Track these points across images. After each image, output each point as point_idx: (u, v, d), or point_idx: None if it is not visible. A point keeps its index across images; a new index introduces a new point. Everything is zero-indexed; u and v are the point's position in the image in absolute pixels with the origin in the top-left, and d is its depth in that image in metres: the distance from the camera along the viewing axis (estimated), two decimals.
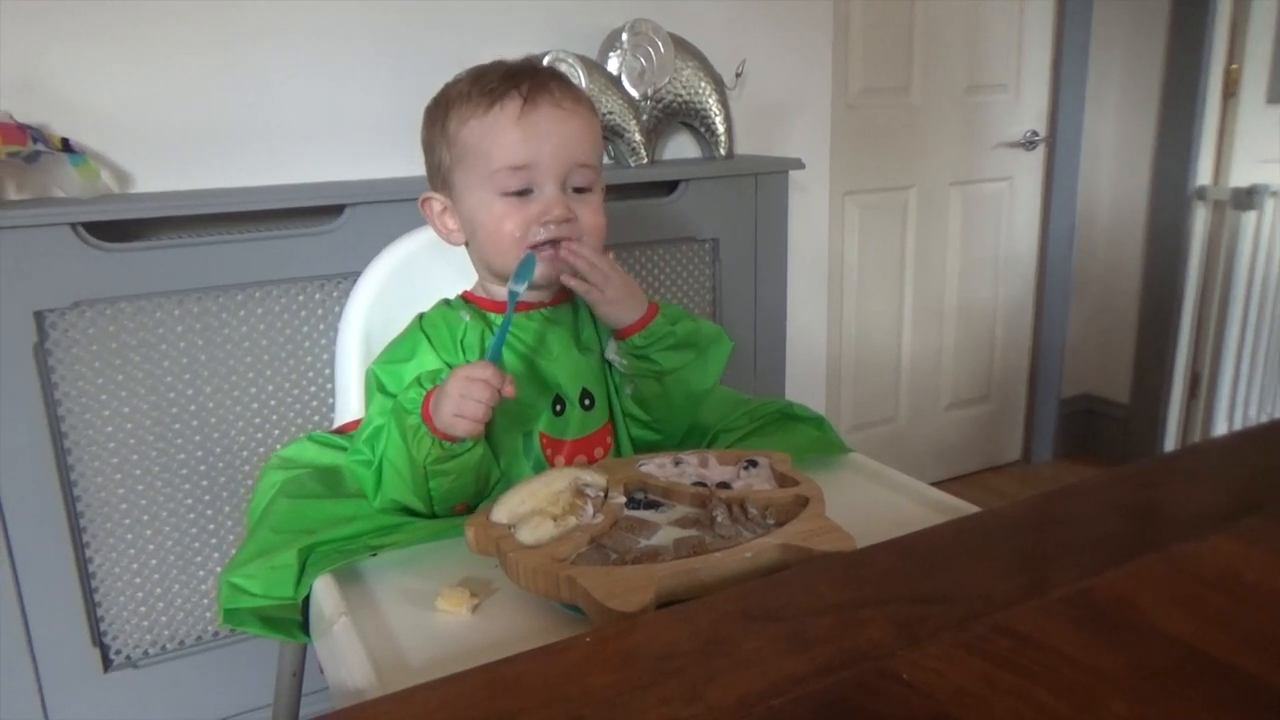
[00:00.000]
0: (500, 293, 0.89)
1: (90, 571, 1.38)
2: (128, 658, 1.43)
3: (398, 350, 0.85)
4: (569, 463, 0.87)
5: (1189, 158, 2.40)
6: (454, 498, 0.80)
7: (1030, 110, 2.47)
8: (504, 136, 0.81)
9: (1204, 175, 2.42)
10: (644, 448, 0.93)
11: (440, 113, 0.86)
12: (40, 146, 1.28)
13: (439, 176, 0.88)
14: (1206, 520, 0.65)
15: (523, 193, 0.83)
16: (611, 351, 0.89)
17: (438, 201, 0.89)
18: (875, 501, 0.83)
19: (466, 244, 0.91)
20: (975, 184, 2.44)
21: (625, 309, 0.85)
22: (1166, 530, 0.64)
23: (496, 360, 0.76)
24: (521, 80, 0.82)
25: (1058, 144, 2.49)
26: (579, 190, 0.85)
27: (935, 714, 0.44)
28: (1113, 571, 0.57)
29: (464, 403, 0.73)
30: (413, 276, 1.06)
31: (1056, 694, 0.45)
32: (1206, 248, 2.45)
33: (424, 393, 0.77)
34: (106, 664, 1.40)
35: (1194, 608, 0.53)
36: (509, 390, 0.74)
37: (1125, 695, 0.45)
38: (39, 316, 1.27)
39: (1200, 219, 2.43)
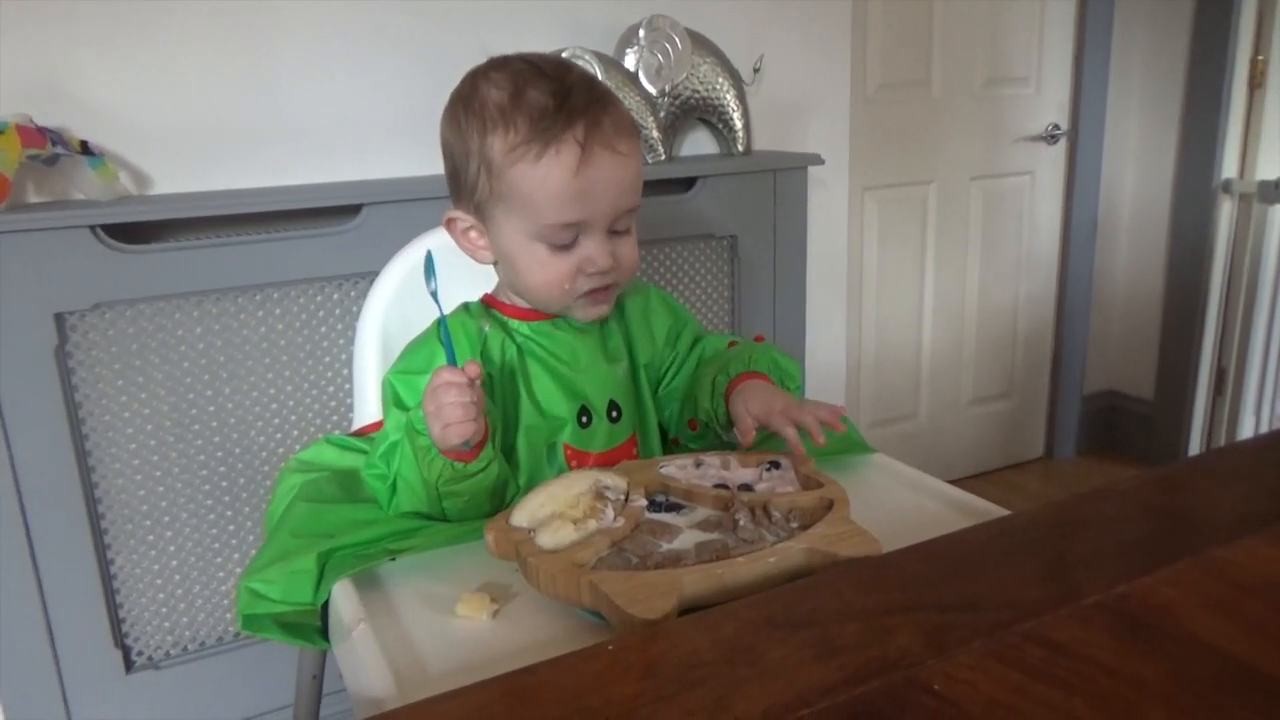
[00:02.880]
0: (520, 301, 0.87)
1: (112, 573, 1.38)
2: (149, 659, 1.43)
3: (414, 360, 0.82)
4: None
5: (1214, 150, 2.36)
6: (468, 516, 0.78)
7: (1052, 103, 2.44)
8: (560, 192, 0.76)
9: (1229, 168, 2.38)
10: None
11: (475, 125, 0.78)
12: (59, 149, 1.29)
13: (470, 200, 0.82)
14: (1242, 524, 0.63)
15: (569, 242, 0.80)
16: (734, 437, 0.86)
17: (463, 220, 0.85)
18: (900, 503, 0.82)
19: (495, 263, 0.87)
20: (996, 178, 2.41)
21: None
22: (1201, 534, 0.63)
23: (453, 361, 0.74)
24: (575, 119, 0.75)
25: (1080, 137, 2.46)
26: (618, 232, 0.82)
27: None
28: (1147, 577, 0.56)
29: (442, 412, 0.70)
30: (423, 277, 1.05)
31: (1094, 706, 0.44)
32: (1232, 242, 2.41)
33: None
34: (128, 665, 1.41)
35: (1234, 615, 0.52)
36: (473, 371, 0.71)
37: (1165, 707, 0.44)
38: (59, 319, 1.28)
39: (1226, 213, 2.39)
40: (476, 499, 0.77)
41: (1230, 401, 2.47)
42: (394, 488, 0.76)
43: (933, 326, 2.42)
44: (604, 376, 0.86)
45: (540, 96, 0.76)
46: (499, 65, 0.80)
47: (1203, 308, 2.45)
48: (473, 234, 0.85)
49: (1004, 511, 0.73)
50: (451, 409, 0.70)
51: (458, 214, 0.85)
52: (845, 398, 2.25)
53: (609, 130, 0.77)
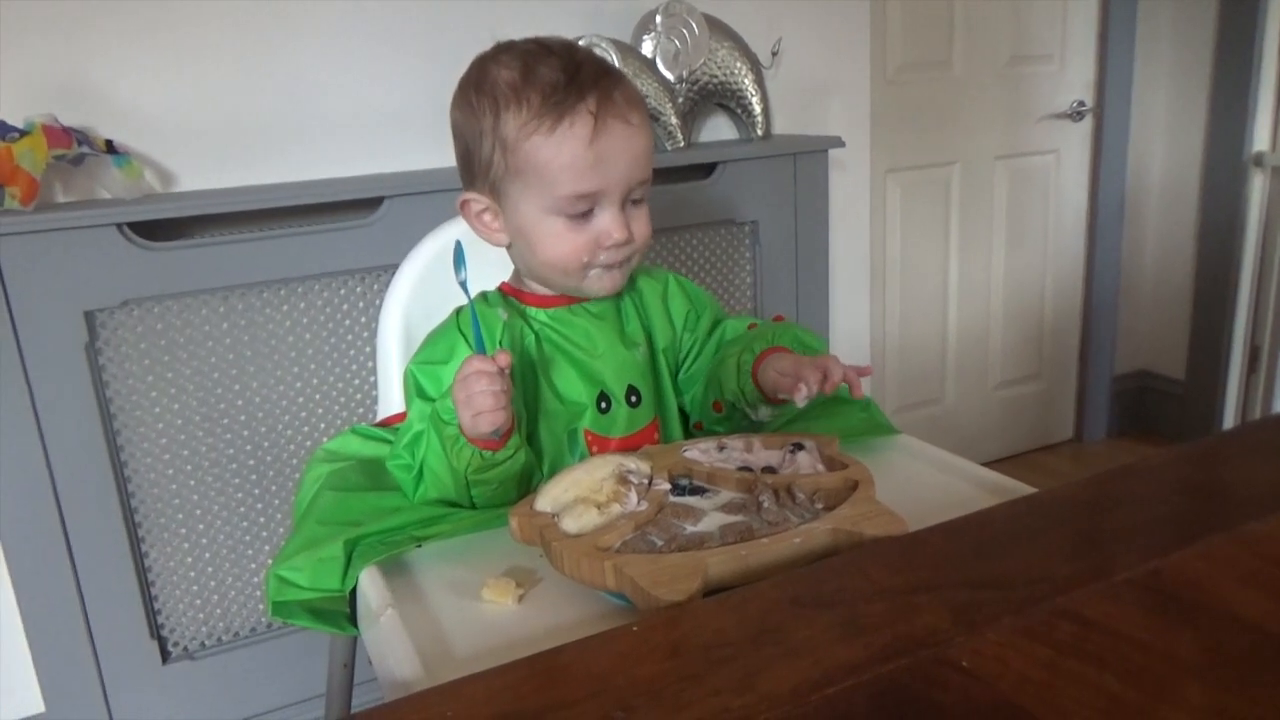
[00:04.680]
0: (538, 287, 0.87)
1: (146, 566, 1.40)
2: (185, 650, 1.46)
3: (435, 350, 0.83)
4: None
5: (1245, 122, 2.31)
6: (495, 503, 0.78)
7: (1077, 80, 2.40)
8: (574, 163, 0.77)
9: (1261, 140, 2.33)
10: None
11: (487, 105, 0.79)
12: (85, 149, 1.30)
13: (485, 180, 0.82)
14: (1275, 497, 0.62)
15: (585, 214, 0.80)
16: (765, 414, 0.85)
17: (477, 202, 0.85)
18: (926, 483, 0.81)
19: (508, 245, 0.87)
20: (1021, 158, 2.38)
21: None
22: (1234, 508, 0.62)
23: (481, 349, 0.74)
24: (586, 91, 0.77)
25: (1106, 113, 2.42)
26: (634, 203, 0.83)
27: (997, 703, 0.43)
28: (1180, 552, 0.55)
29: (472, 400, 0.70)
30: (451, 267, 1.06)
31: (1126, 681, 0.43)
32: (1265, 216, 2.36)
33: None
34: (165, 656, 1.43)
35: (1268, 588, 0.51)
36: (503, 360, 0.72)
37: (1200, 681, 0.43)
38: (89, 316, 1.30)
39: (1257, 186, 2.35)
40: (505, 486, 0.78)
41: (1264, 380, 2.42)
42: (419, 477, 0.77)
43: (958, 309, 2.40)
44: (621, 361, 0.86)
45: (551, 72, 0.77)
46: (506, 48, 0.81)
47: (1234, 284, 2.40)
48: (486, 216, 0.85)
49: (1031, 490, 0.72)
50: (482, 397, 0.70)
51: (472, 195, 0.85)
52: (870, 383, 2.24)
53: (620, 102, 0.78)
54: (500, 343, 0.83)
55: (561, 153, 0.77)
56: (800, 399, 0.75)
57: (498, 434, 0.73)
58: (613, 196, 0.79)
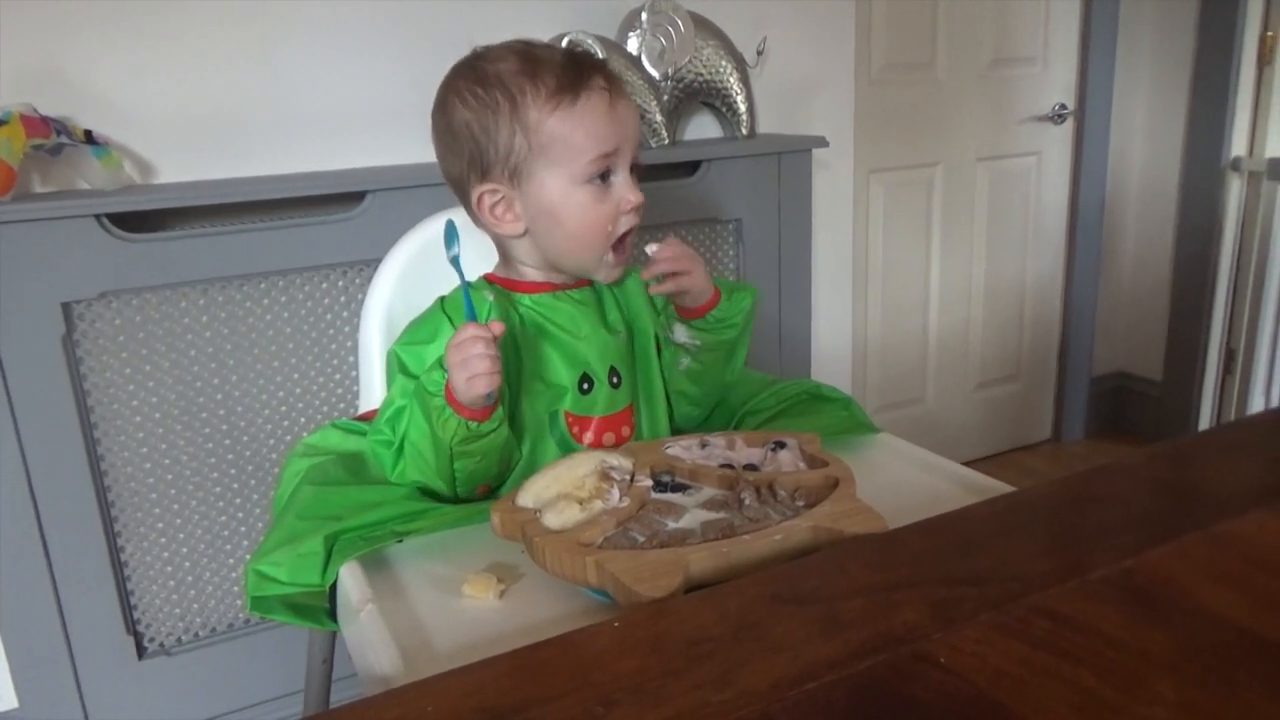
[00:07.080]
0: (531, 273, 0.89)
1: (123, 561, 1.39)
2: (161, 645, 1.44)
3: (420, 332, 0.84)
4: (596, 439, 0.86)
5: (1223, 128, 2.34)
6: (477, 478, 0.80)
7: (1058, 83, 2.42)
8: (597, 128, 0.82)
9: (1239, 146, 2.36)
10: (680, 426, 0.94)
11: (499, 95, 0.81)
12: (64, 139, 1.29)
13: (504, 168, 0.83)
14: (1249, 497, 0.63)
15: (602, 177, 0.84)
16: (682, 335, 0.91)
17: (492, 194, 0.85)
18: (906, 482, 0.82)
19: (524, 234, 0.88)
20: (1003, 159, 2.40)
21: (706, 283, 0.89)
22: (1208, 508, 0.63)
23: (473, 318, 0.77)
24: (593, 69, 0.84)
25: (1087, 117, 2.44)
26: (633, 171, 0.87)
27: (973, 697, 0.43)
28: (1154, 550, 0.56)
29: (468, 364, 0.72)
30: (433, 261, 1.05)
31: (1099, 676, 0.44)
32: (1241, 220, 2.39)
33: (446, 375, 0.76)
34: (141, 652, 1.42)
35: (1241, 587, 0.52)
36: (497, 329, 0.75)
37: (1172, 677, 0.44)
38: (66, 308, 1.28)
39: (1235, 191, 2.37)
40: (487, 459, 0.79)
41: (1240, 382, 2.45)
42: (400, 452, 0.78)
43: (939, 309, 2.41)
44: (605, 343, 0.88)
45: (552, 56, 0.83)
46: (486, 50, 0.85)
47: (1212, 287, 2.43)
48: (499, 208, 0.86)
49: (1009, 488, 0.73)
50: (479, 360, 0.72)
51: (487, 187, 0.85)
52: (851, 382, 2.25)
53: (618, 81, 0.86)
54: (486, 322, 0.84)
55: (585, 120, 0.82)
56: (649, 248, 0.86)
57: (491, 399, 0.75)
58: (625, 158, 0.85)
